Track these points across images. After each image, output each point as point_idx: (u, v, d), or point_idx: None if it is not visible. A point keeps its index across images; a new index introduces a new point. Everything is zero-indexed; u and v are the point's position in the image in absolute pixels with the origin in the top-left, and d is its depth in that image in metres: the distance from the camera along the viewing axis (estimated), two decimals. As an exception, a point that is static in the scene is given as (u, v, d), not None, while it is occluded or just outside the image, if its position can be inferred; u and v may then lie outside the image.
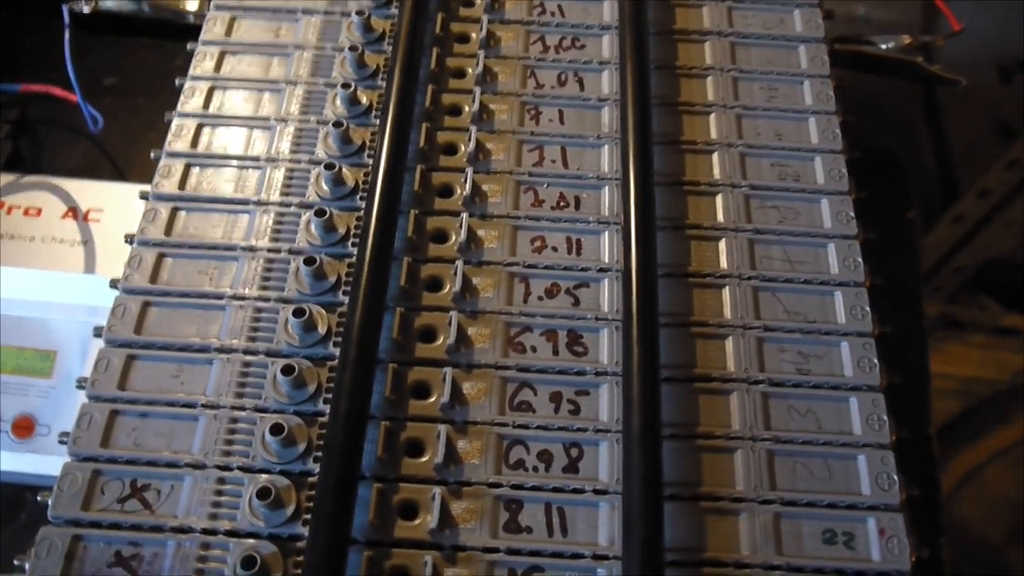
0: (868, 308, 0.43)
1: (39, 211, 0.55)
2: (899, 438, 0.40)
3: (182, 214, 0.44)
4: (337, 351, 0.40)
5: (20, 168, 0.59)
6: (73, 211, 0.55)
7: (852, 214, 0.45)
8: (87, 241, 0.54)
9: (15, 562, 0.37)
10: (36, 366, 0.53)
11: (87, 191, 0.56)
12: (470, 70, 0.49)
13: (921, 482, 0.40)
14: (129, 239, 0.44)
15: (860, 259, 0.44)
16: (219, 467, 0.38)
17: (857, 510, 0.38)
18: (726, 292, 0.43)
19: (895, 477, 0.39)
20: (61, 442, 0.39)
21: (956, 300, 1.10)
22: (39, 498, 0.38)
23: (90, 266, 0.54)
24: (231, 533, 0.37)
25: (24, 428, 0.52)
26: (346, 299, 0.41)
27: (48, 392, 0.53)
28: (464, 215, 0.44)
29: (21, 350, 0.53)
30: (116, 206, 0.55)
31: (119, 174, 0.61)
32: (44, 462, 0.52)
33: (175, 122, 0.47)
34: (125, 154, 0.62)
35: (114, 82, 0.64)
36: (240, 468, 0.38)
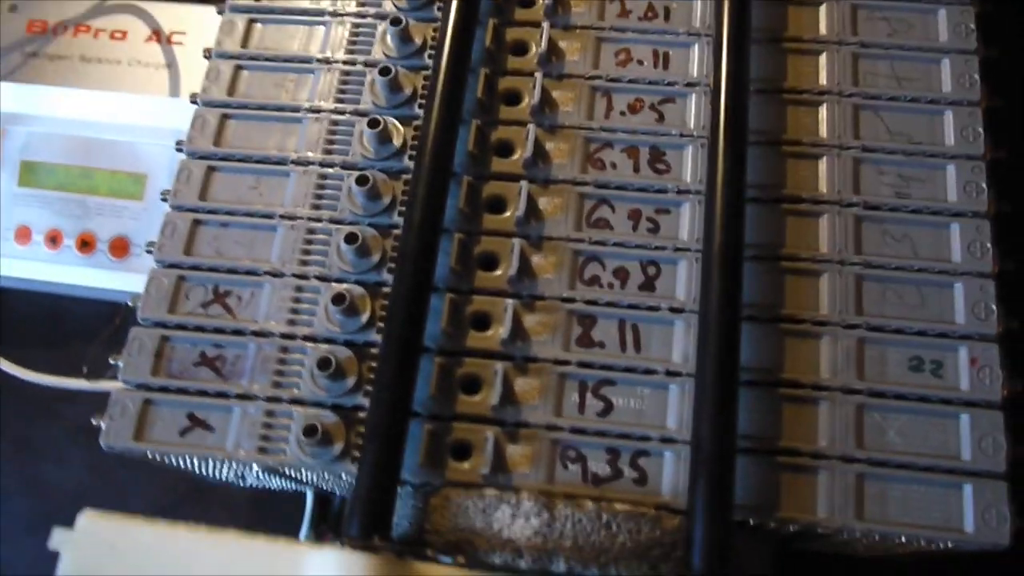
0: (981, 129, 0.39)
1: (124, 34, 0.56)
2: (1001, 272, 0.37)
3: (258, 26, 0.44)
4: (411, 164, 0.39)
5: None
6: (157, 34, 0.55)
7: (972, 26, 0.41)
8: (171, 64, 0.55)
9: (111, 361, 0.39)
10: (129, 189, 0.55)
11: (169, 14, 0.56)
12: None
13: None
14: (207, 53, 0.44)
15: (977, 75, 0.40)
16: (296, 275, 0.39)
17: (949, 338, 0.36)
18: (823, 110, 0.40)
19: (993, 307, 0.37)
20: (148, 251, 0.40)
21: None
22: (129, 303, 0.40)
23: (175, 89, 0.54)
24: (308, 338, 0.38)
25: (120, 248, 0.54)
26: (422, 112, 0.40)
27: (141, 214, 0.55)
28: (545, 24, 0.42)
29: (114, 173, 0.55)
30: (198, 28, 0.55)
31: (200, -1, 0.60)
32: (140, 281, 0.54)
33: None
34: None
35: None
36: (317, 277, 0.39)
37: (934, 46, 0.41)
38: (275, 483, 0.45)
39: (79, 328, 0.56)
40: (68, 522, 0.34)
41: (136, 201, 0.54)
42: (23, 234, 0.53)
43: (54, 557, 0.34)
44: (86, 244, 0.54)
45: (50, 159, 0.54)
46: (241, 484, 0.46)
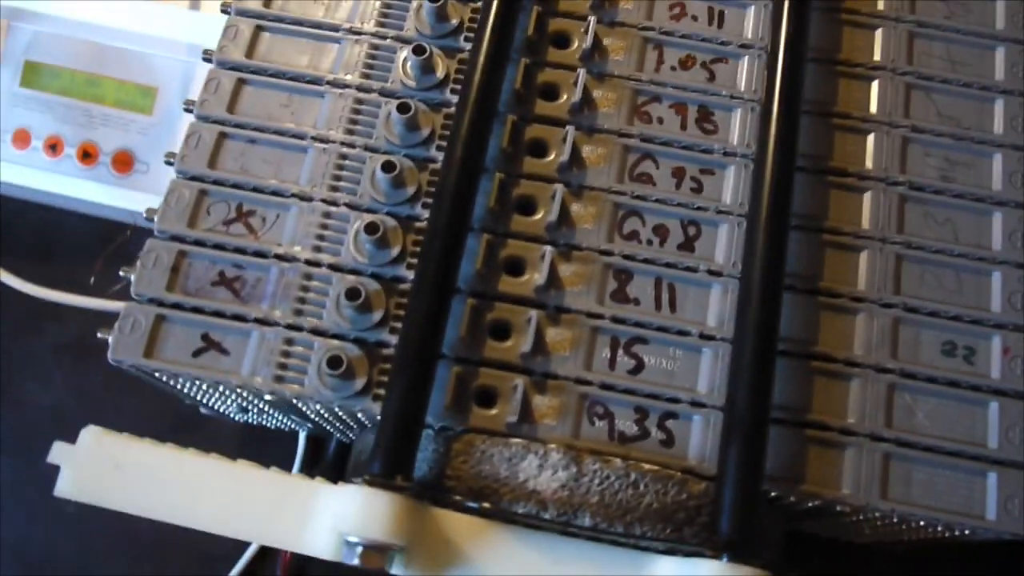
0: (1030, 120, 0.39)
1: (145, -62, 0.53)
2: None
3: (300, -61, 0.42)
4: (455, 99, 0.38)
5: None
6: (180, -59, 0.53)
7: (1030, 17, 0.41)
8: (193, -26, 0.52)
9: (120, 273, 0.37)
10: (137, 101, 0.52)
11: (194, -80, 0.53)
12: None
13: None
14: (243, -38, 0.41)
15: (1031, 67, 0.40)
16: (326, 201, 0.37)
17: (983, 326, 0.36)
18: (875, 86, 0.40)
19: (1031, 298, 0.36)
20: (168, 163, 0.38)
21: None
22: (145, 214, 0.38)
23: (194, 2, 0.52)
24: (334, 267, 0.36)
25: (123, 163, 0.52)
26: (468, 45, 0.39)
27: (148, 129, 0.52)
28: (601, -31, 0.40)
29: (123, 83, 0.52)
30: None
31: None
32: (141, 199, 0.52)
33: None
34: None
35: None
36: (347, 205, 0.37)
37: (990, 32, 0.41)
38: (275, 419, 0.43)
39: (71, 244, 0.54)
40: (46, 443, 0.33)
41: (144, 115, 0.52)
42: (21, 137, 0.51)
43: (39, 476, 0.33)
44: (88, 155, 0.51)
45: (55, 62, 0.51)
46: (238, 417, 0.45)
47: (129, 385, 0.45)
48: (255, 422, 0.46)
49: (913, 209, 0.38)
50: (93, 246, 0.53)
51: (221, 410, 0.43)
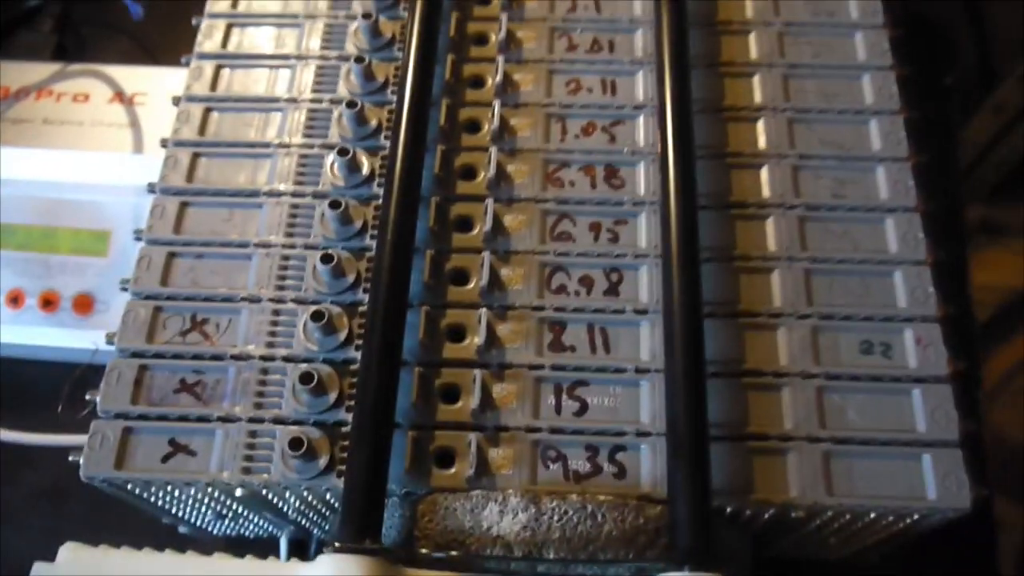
0: (904, 134, 0.43)
1: (87, 97, 0.57)
2: (936, 261, 0.40)
3: (225, 71, 0.46)
4: (381, 191, 0.41)
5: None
6: (119, 95, 0.57)
7: (887, 46, 0.45)
8: (134, 123, 0.56)
9: (87, 397, 0.39)
10: (92, 246, 0.55)
11: (131, 76, 0.58)
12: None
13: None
14: (176, 100, 0.45)
15: (895, 89, 0.44)
16: (273, 300, 0.40)
17: (894, 322, 0.39)
18: (760, 124, 0.44)
19: (931, 290, 0.39)
20: (123, 289, 0.41)
21: (996, 202, 1.08)
22: (105, 337, 0.40)
23: (138, 147, 0.56)
24: (288, 359, 0.38)
25: (84, 305, 0.54)
26: (388, 143, 0.42)
27: (105, 271, 0.55)
28: (500, 58, 0.44)
29: (77, 231, 0.55)
30: (160, 88, 0.57)
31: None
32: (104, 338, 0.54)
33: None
34: (163, 47, 0.63)
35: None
36: (294, 300, 0.40)
37: (854, 64, 0.45)
38: (253, 520, 0.45)
39: (38, 392, 0.55)
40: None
41: (100, 257, 0.54)
42: (-17, 295, 0.53)
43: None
44: (48, 303, 0.54)
45: (10, 220, 0.54)
46: (215, 528, 0.46)
47: (109, 523, 0.46)
48: (234, 531, 0.47)
49: (813, 227, 0.41)
50: (60, 390, 0.54)
51: (198, 523, 0.44)
